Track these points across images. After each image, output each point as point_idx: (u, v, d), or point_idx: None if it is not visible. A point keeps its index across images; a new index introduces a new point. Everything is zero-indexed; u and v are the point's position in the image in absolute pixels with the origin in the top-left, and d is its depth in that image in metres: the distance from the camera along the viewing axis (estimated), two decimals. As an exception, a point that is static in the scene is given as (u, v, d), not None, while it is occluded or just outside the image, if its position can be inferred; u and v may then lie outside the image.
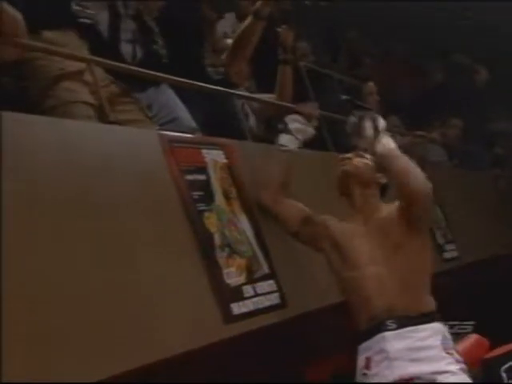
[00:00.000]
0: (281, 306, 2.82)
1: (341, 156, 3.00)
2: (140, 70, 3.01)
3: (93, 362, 2.00)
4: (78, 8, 2.92)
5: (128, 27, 3.27)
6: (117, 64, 2.88)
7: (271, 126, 4.45)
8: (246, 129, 3.87)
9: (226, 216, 2.79)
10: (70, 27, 2.85)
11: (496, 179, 6.72)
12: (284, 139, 3.04)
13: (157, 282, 2.33)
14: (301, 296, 2.96)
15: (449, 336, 2.66)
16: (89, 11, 2.96)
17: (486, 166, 6.96)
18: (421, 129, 6.45)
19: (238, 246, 2.76)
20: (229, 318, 2.52)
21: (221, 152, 2.94)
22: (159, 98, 3.33)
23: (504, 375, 3.42)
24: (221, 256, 2.64)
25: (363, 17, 7.10)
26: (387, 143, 2.77)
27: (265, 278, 2.81)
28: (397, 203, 2.78)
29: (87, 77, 2.74)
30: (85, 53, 2.84)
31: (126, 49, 3.25)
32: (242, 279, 2.68)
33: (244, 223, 2.87)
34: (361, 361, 2.68)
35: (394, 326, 2.61)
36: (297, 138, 3.06)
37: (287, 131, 3.04)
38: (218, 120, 3.60)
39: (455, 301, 4.14)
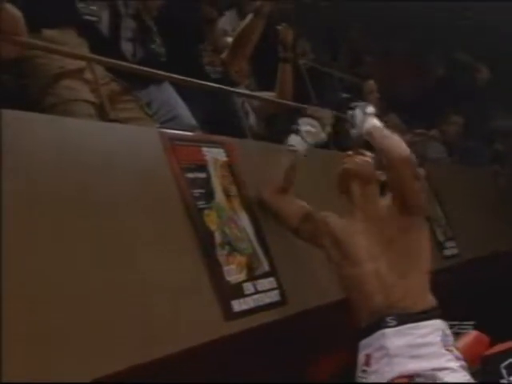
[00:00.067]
0: (281, 303, 2.83)
1: (342, 154, 3.01)
2: (140, 68, 3.02)
3: (93, 361, 2.00)
4: (81, 5, 2.93)
5: (128, 26, 3.28)
6: (117, 62, 2.89)
7: (271, 124, 4.46)
8: (246, 127, 3.87)
9: (227, 214, 2.79)
10: (70, 25, 2.85)
11: (496, 176, 6.73)
12: (293, 140, 3.04)
13: (157, 280, 2.33)
14: (301, 293, 2.96)
15: (449, 333, 2.66)
16: (92, 8, 2.97)
17: (485, 163, 6.96)
18: (421, 126, 6.46)
19: (238, 243, 2.77)
20: (229, 315, 2.53)
21: (221, 150, 2.94)
22: (160, 96, 3.33)
23: (504, 372, 3.43)
24: (221, 254, 2.64)
25: (363, 15, 7.10)
26: (372, 122, 2.85)
27: (265, 275, 2.82)
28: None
29: (87, 75, 2.75)
30: (85, 51, 2.84)
31: (126, 47, 3.26)
32: (242, 276, 2.69)
33: (244, 221, 2.88)
34: (361, 357, 2.69)
35: (394, 322, 2.61)
36: (306, 141, 3.05)
37: (298, 133, 3.04)
38: (218, 118, 3.61)
39: (455, 298, 4.15)
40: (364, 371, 2.66)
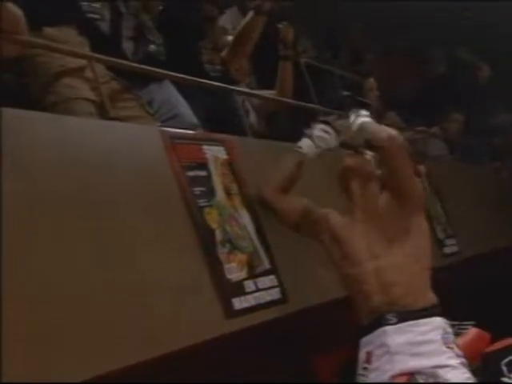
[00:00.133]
0: (282, 300, 2.83)
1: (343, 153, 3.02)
2: (141, 66, 3.02)
3: (93, 361, 1.99)
4: (84, 3, 2.93)
5: (129, 25, 3.28)
6: (118, 61, 2.89)
7: (272, 123, 4.47)
8: (247, 125, 3.88)
9: (227, 212, 2.80)
10: (70, 24, 2.85)
11: (497, 172, 6.73)
12: (304, 143, 3.04)
13: (158, 278, 2.33)
14: (302, 291, 2.96)
15: (449, 330, 2.66)
16: (95, 5, 2.98)
17: (486, 161, 6.96)
18: (422, 124, 6.46)
19: (239, 241, 2.77)
20: (230, 312, 2.53)
21: (222, 148, 2.95)
22: (161, 95, 3.34)
23: (504, 369, 3.43)
24: (222, 252, 2.64)
25: (364, 13, 7.10)
26: (363, 119, 2.94)
27: (266, 273, 2.82)
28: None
29: (88, 73, 2.75)
30: (86, 49, 2.85)
31: (126, 46, 3.26)
32: (243, 274, 2.69)
33: (245, 219, 2.88)
34: (362, 355, 2.69)
35: (395, 320, 2.62)
36: (317, 146, 3.04)
37: (310, 136, 3.05)
38: (218, 116, 3.61)
39: (455, 295, 4.15)
40: (365, 368, 2.66)
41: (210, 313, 2.48)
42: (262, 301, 2.72)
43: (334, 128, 3.01)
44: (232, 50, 4.02)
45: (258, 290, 2.73)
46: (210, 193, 2.75)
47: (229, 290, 2.58)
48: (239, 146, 3.07)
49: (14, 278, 1.85)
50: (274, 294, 2.81)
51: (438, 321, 2.65)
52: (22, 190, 2.01)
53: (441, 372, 2.53)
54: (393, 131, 2.85)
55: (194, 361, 2.58)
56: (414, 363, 2.56)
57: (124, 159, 2.46)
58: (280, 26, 4.16)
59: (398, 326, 2.61)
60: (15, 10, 2.39)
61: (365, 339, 2.69)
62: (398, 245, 2.73)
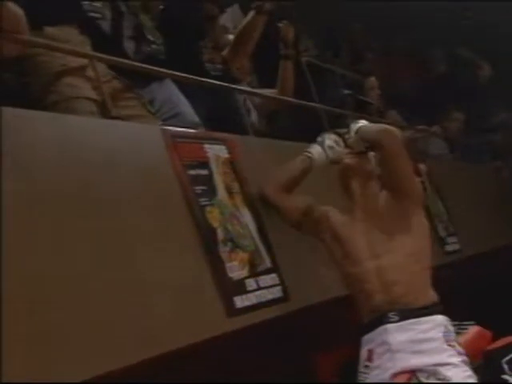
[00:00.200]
0: (283, 299, 2.83)
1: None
2: (142, 65, 3.02)
3: (93, 361, 1.99)
4: (85, 2, 2.94)
5: (130, 24, 3.29)
6: (119, 60, 2.89)
7: (273, 121, 4.47)
8: (248, 124, 3.88)
9: (229, 210, 2.80)
10: (71, 23, 2.86)
11: (498, 171, 6.73)
12: (314, 149, 3.05)
13: (159, 277, 2.33)
14: (303, 289, 2.97)
15: (451, 328, 2.66)
16: (96, 4, 2.98)
17: (487, 159, 6.96)
18: (422, 122, 6.47)
19: (240, 240, 2.77)
20: (232, 311, 2.53)
21: (223, 147, 2.95)
22: (162, 94, 3.34)
23: (505, 367, 3.43)
24: (223, 250, 2.64)
25: (365, 12, 7.11)
26: (360, 123, 3.00)
27: (267, 271, 2.82)
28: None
29: (89, 72, 2.75)
30: (87, 49, 2.85)
31: (128, 45, 3.27)
32: (244, 273, 2.69)
33: (246, 217, 2.88)
34: (363, 353, 2.69)
35: (396, 318, 2.62)
36: (326, 155, 3.05)
37: (320, 144, 3.06)
38: (220, 115, 3.61)
39: (457, 293, 4.15)
40: (366, 366, 2.66)
41: (211, 311, 2.48)
42: (263, 299, 2.72)
43: (344, 141, 3.02)
44: (233, 49, 4.02)
45: (259, 288, 2.73)
46: (212, 192, 2.75)
47: (230, 288, 2.58)
48: (240, 144, 3.07)
49: (13, 277, 1.84)
50: (276, 292, 2.81)
51: (440, 319, 2.66)
52: (22, 189, 2.01)
53: (442, 370, 2.53)
54: (392, 129, 2.86)
55: (196, 360, 2.58)
56: (415, 361, 2.56)
57: (125, 158, 2.46)
58: (280, 25, 4.17)
59: (399, 323, 2.61)
60: (16, 10, 2.39)
61: (366, 337, 2.69)
62: (398, 244, 2.73)
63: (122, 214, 2.33)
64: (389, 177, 2.82)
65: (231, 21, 4.65)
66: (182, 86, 3.42)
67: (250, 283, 2.70)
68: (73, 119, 2.44)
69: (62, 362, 1.92)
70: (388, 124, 3.17)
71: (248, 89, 4.22)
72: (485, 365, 3.38)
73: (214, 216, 2.68)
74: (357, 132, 2.94)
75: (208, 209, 2.67)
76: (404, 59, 7.85)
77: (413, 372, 2.56)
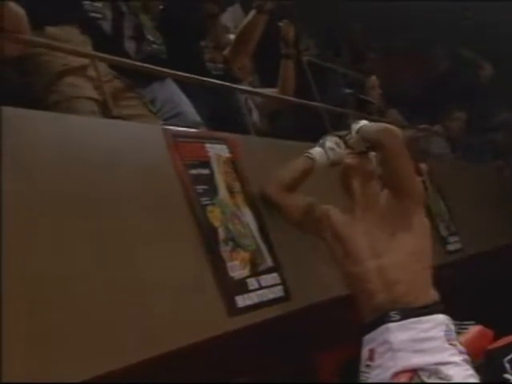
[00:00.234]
0: (285, 298, 2.83)
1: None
2: (144, 65, 3.03)
3: (93, 361, 1.99)
4: (86, 2, 2.94)
5: (131, 24, 3.29)
6: (120, 59, 2.89)
7: (274, 121, 4.47)
8: (250, 123, 3.87)
9: (230, 210, 2.80)
10: (73, 23, 2.86)
11: (499, 170, 6.73)
12: (315, 150, 3.06)
13: (160, 276, 2.33)
14: (305, 289, 2.97)
15: (452, 327, 2.67)
16: (96, 4, 2.98)
17: (488, 159, 6.96)
18: (424, 122, 6.47)
19: (241, 239, 2.77)
20: (233, 310, 2.53)
21: (224, 146, 2.95)
22: (163, 93, 3.34)
23: (507, 366, 3.43)
24: (225, 250, 2.64)
25: (366, 11, 7.11)
26: (363, 122, 3.00)
27: (269, 270, 2.82)
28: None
29: (91, 72, 2.75)
30: (88, 48, 2.85)
31: (129, 45, 3.27)
32: (246, 272, 2.69)
33: (248, 217, 2.88)
34: (365, 353, 2.69)
35: (398, 317, 2.62)
36: (327, 156, 3.05)
37: (321, 146, 3.06)
38: (221, 115, 3.61)
39: (459, 292, 4.15)
40: (368, 366, 2.66)
41: (212, 311, 2.48)
42: (264, 298, 2.72)
43: (345, 143, 3.03)
44: (234, 49, 4.02)
45: (260, 287, 2.73)
46: (213, 191, 2.75)
47: (232, 287, 2.58)
48: (242, 144, 3.07)
49: (13, 277, 1.84)
50: (277, 291, 2.81)
51: (441, 318, 2.66)
52: (22, 189, 2.00)
53: (443, 369, 2.53)
54: (393, 129, 2.86)
55: (197, 359, 2.58)
56: (416, 360, 2.56)
57: (127, 158, 2.46)
58: (281, 24, 4.17)
59: (400, 323, 2.61)
60: (17, 10, 2.39)
61: (367, 337, 2.70)
62: (399, 243, 2.73)
63: (123, 214, 2.33)
64: (390, 176, 2.82)
65: (232, 20, 4.65)
66: (184, 85, 3.42)
67: (252, 282, 2.70)
68: (74, 119, 2.44)
69: (62, 361, 1.91)
70: (389, 123, 3.17)
71: (249, 88, 4.22)
72: (486, 364, 3.37)
73: (215, 215, 2.68)
74: (358, 132, 2.94)
75: (209, 208, 2.67)
76: (405, 58, 7.85)
77: (414, 371, 2.56)
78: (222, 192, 2.80)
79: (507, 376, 3.42)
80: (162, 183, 2.57)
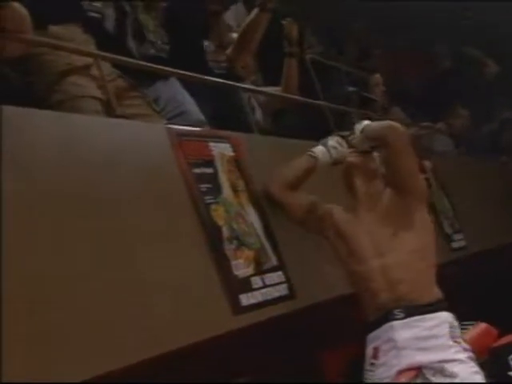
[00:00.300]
0: (289, 297, 2.83)
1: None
2: (147, 64, 3.03)
3: (93, 361, 1.98)
4: (85, 2, 2.94)
5: (133, 23, 3.29)
6: (124, 58, 2.89)
7: (278, 119, 4.47)
8: (253, 122, 3.87)
9: (234, 208, 2.80)
10: (76, 22, 2.86)
11: (504, 167, 6.72)
12: (317, 149, 3.06)
13: (164, 275, 2.33)
14: (309, 287, 2.96)
15: (456, 325, 2.67)
16: (96, 4, 2.98)
17: (492, 156, 6.95)
18: (427, 119, 6.46)
19: (246, 238, 2.77)
20: (237, 309, 2.53)
21: (228, 145, 2.95)
22: (167, 92, 3.34)
23: None
24: (229, 248, 2.64)
25: (369, 9, 7.11)
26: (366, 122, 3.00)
27: (273, 269, 2.82)
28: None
29: (94, 71, 2.75)
30: (91, 47, 2.85)
31: (131, 44, 3.27)
32: (250, 271, 2.69)
33: (252, 215, 2.88)
34: (369, 351, 2.69)
35: (402, 315, 2.62)
36: (330, 155, 3.05)
37: (324, 144, 3.06)
38: (224, 113, 3.61)
39: (463, 290, 4.15)
40: (372, 364, 2.67)
41: (217, 309, 2.48)
42: (269, 297, 2.72)
43: (347, 143, 3.03)
44: (237, 48, 4.02)
45: (265, 286, 2.72)
46: (217, 190, 2.75)
47: (236, 286, 2.58)
48: (245, 142, 3.07)
49: (14, 277, 1.83)
50: (282, 290, 2.81)
51: (445, 315, 2.66)
52: (22, 189, 1.99)
53: (448, 366, 2.54)
54: (398, 126, 2.86)
55: (201, 358, 2.58)
56: (421, 358, 2.57)
57: (130, 157, 2.46)
58: (284, 22, 4.16)
59: (404, 321, 2.61)
60: (21, 10, 2.39)
61: (372, 335, 2.70)
62: (402, 241, 2.73)
63: (126, 213, 2.33)
64: (393, 173, 2.82)
65: (235, 19, 4.64)
66: (187, 84, 3.42)
67: (256, 281, 2.70)
68: (77, 118, 2.43)
69: (62, 361, 1.91)
70: (392, 121, 3.16)
71: (252, 87, 4.22)
72: (491, 362, 3.37)
73: (219, 214, 2.68)
74: (362, 131, 2.93)
75: (213, 207, 2.67)
76: (409, 56, 7.85)
77: (419, 369, 2.57)
78: (226, 191, 2.80)
79: (511, 374, 3.42)
80: (165, 182, 2.57)
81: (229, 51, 4.04)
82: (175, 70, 3.17)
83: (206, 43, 3.99)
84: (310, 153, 3.04)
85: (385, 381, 2.58)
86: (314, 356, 3.54)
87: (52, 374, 1.86)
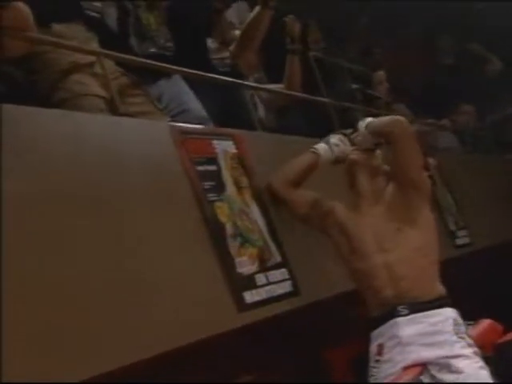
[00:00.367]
0: (293, 293, 2.83)
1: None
2: (150, 62, 3.03)
3: (93, 361, 1.97)
4: (85, 2, 2.94)
5: (136, 21, 3.29)
6: (127, 56, 2.89)
7: (281, 116, 4.47)
8: (256, 119, 3.87)
9: (238, 206, 2.80)
10: (79, 20, 2.86)
11: (508, 164, 6.71)
12: (320, 146, 3.06)
13: (169, 272, 2.33)
14: (313, 284, 2.97)
15: (460, 321, 2.67)
16: (96, 4, 2.98)
17: (497, 152, 6.94)
18: (431, 116, 6.45)
19: (249, 235, 2.77)
20: (242, 306, 2.53)
21: (231, 142, 2.95)
22: (170, 90, 3.34)
23: (517, 360, 3.43)
24: (233, 245, 2.64)
25: (373, 5, 7.11)
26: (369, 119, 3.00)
27: (277, 266, 2.82)
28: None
29: (97, 69, 2.75)
30: (94, 45, 2.85)
31: (134, 42, 3.27)
32: (254, 268, 2.69)
33: (255, 213, 2.88)
34: (373, 348, 2.69)
35: (406, 311, 2.62)
36: (332, 152, 3.05)
37: (327, 142, 3.06)
38: (227, 111, 3.61)
39: (467, 286, 4.15)
40: (377, 361, 2.67)
41: (221, 307, 2.48)
42: (273, 294, 2.72)
43: (350, 141, 3.03)
44: (240, 45, 4.02)
45: (269, 283, 2.72)
46: (220, 187, 2.75)
47: (240, 283, 2.58)
48: (248, 140, 3.07)
49: (13, 278, 1.83)
50: (286, 287, 2.81)
51: (449, 311, 2.66)
52: (24, 188, 1.99)
53: (454, 362, 2.54)
54: (404, 120, 2.87)
55: (206, 354, 2.59)
56: (426, 354, 2.57)
57: (134, 155, 2.46)
58: (286, 19, 4.16)
59: (409, 317, 2.62)
60: (23, 7, 2.39)
61: (376, 332, 2.70)
62: (405, 238, 2.74)
63: (130, 211, 2.32)
64: (398, 168, 2.82)
65: (237, 16, 4.64)
66: (190, 82, 3.42)
67: (260, 278, 2.70)
68: (80, 116, 2.43)
69: (62, 361, 1.90)
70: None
71: (255, 84, 4.22)
72: (496, 358, 3.37)
73: (222, 211, 2.68)
74: (366, 128, 2.93)
75: (217, 204, 2.67)
76: (413, 52, 7.84)
77: (424, 365, 2.57)
78: (230, 188, 2.80)
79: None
80: (169, 180, 2.57)
81: (231, 48, 4.04)
82: (178, 68, 3.17)
83: (208, 41, 3.99)
84: (312, 149, 3.04)
85: (390, 377, 2.58)
86: (318, 353, 3.53)
87: (52, 374, 1.86)
